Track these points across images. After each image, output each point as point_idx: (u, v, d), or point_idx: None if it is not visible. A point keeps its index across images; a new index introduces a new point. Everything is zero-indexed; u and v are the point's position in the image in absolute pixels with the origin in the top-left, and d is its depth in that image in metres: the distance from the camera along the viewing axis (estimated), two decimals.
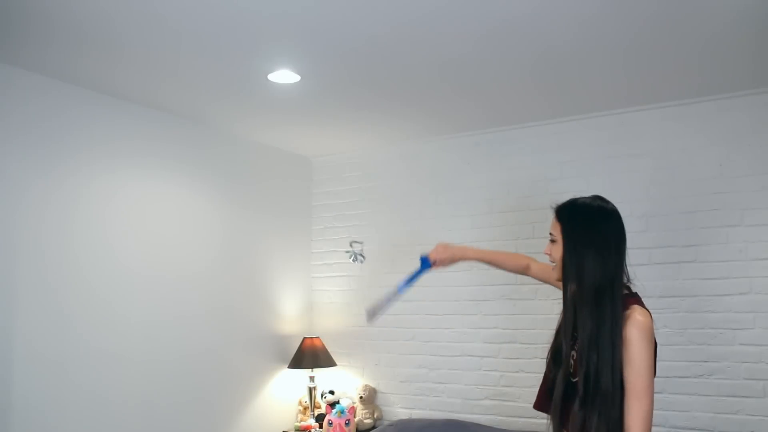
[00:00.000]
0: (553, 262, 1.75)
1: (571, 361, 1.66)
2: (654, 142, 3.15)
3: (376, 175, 4.00)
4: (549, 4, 2.08)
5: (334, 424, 3.46)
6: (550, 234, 1.74)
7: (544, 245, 1.84)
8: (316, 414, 3.73)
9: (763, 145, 2.91)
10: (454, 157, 3.73)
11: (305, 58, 2.53)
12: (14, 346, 2.49)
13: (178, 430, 3.15)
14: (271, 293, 3.84)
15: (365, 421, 3.67)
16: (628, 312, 1.58)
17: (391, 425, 3.46)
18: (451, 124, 3.53)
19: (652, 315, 1.62)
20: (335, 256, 4.10)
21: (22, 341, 2.51)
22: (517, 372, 3.34)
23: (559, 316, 1.84)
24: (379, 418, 3.74)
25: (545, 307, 3.26)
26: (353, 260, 3.18)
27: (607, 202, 1.72)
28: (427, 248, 2.19)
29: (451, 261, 2.15)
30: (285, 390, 3.86)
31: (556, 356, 1.73)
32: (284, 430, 3.77)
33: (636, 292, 1.69)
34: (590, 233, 1.65)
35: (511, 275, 3.41)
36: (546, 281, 2.11)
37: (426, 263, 2.13)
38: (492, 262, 2.20)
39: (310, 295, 4.16)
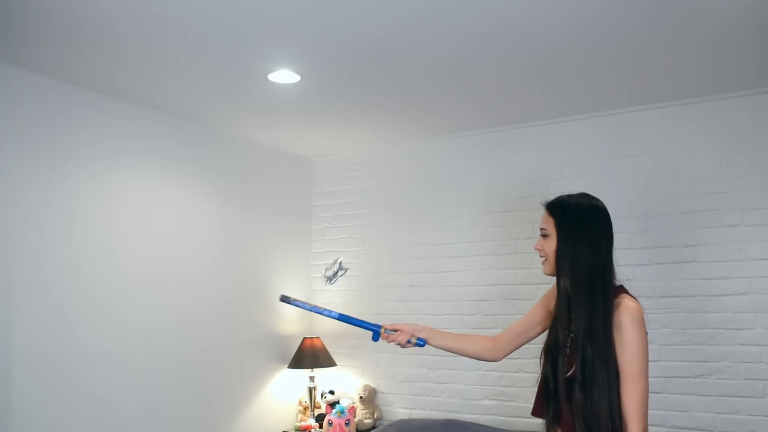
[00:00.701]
0: (543, 257, 1.80)
1: (566, 356, 1.70)
2: (654, 142, 3.15)
3: (376, 175, 4.00)
4: (549, 4, 2.08)
5: (334, 424, 3.46)
6: (542, 229, 1.79)
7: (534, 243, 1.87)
8: (316, 414, 3.73)
9: (763, 145, 2.91)
10: (454, 157, 3.73)
11: (305, 58, 2.53)
12: (14, 346, 2.49)
13: (178, 430, 3.15)
14: (271, 293, 3.84)
15: (365, 421, 3.67)
16: (618, 300, 1.65)
17: (391, 425, 3.46)
18: (451, 124, 3.53)
19: (652, 315, 1.65)
20: (335, 256, 4.10)
21: (21, 341, 2.51)
22: (517, 372, 3.34)
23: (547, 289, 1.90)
24: (379, 418, 3.74)
25: None
26: (330, 281, 2.82)
27: (596, 199, 1.78)
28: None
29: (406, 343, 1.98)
30: (285, 390, 3.86)
31: (549, 352, 1.78)
32: (284, 430, 3.77)
33: (622, 285, 1.74)
34: (583, 227, 1.72)
35: (511, 275, 3.44)
36: (525, 339, 1.97)
37: (376, 335, 1.99)
38: (452, 349, 2.01)
39: (310, 295, 4.16)
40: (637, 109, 3.19)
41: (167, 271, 3.17)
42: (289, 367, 3.78)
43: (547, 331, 1.86)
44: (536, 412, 1.81)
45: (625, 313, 1.62)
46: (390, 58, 2.54)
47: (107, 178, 2.91)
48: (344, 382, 3.91)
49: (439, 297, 3.65)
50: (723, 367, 2.88)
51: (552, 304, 1.86)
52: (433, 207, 3.75)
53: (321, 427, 3.59)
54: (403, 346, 1.97)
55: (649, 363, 1.66)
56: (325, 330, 4.01)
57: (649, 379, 1.65)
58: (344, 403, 3.60)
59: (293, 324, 3.98)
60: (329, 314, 2.07)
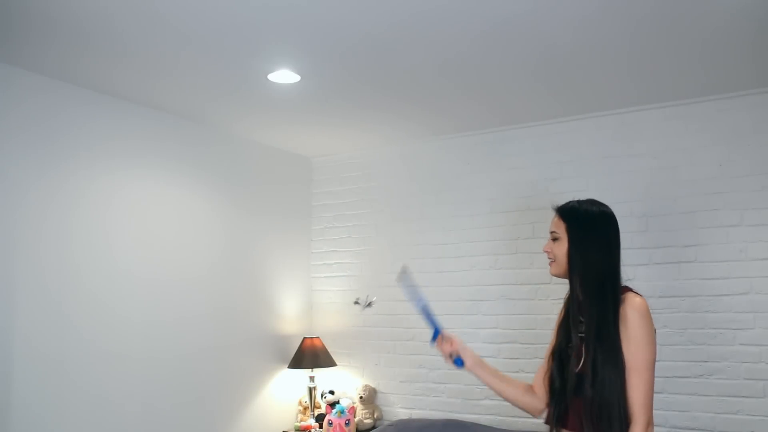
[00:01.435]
0: (551, 258, 1.85)
1: (577, 357, 1.73)
2: (654, 142, 3.15)
3: (376, 175, 4.00)
4: (549, 4, 2.08)
5: (334, 424, 3.46)
6: (553, 232, 1.83)
7: (544, 245, 1.90)
8: (316, 414, 3.73)
9: (763, 145, 2.91)
10: (454, 157, 3.73)
11: (305, 58, 2.53)
12: (14, 346, 2.49)
13: (178, 430, 3.14)
14: (271, 293, 3.84)
15: (365, 421, 3.67)
16: (624, 296, 1.72)
17: (391, 425, 3.46)
18: (451, 124, 3.53)
19: (653, 315, 1.70)
20: (335, 256, 4.10)
21: (22, 341, 2.51)
22: (517, 372, 3.33)
23: (557, 317, 1.92)
24: (379, 418, 3.74)
25: (545, 307, 3.25)
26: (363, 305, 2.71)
27: (605, 205, 1.84)
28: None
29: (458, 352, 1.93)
30: (285, 390, 3.86)
31: (555, 354, 1.82)
32: (284, 430, 3.77)
33: (628, 285, 1.80)
34: (593, 232, 1.78)
35: (511, 275, 3.44)
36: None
37: (435, 335, 1.96)
38: (491, 385, 1.95)
39: (310, 295, 4.16)
40: (637, 109, 3.19)
41: (167, 271, 3.17)
42: (289, 367, 3.78)
43: (555, 335, 1.89)
44: (548, 420, 1.83)
45: (630, 307, 1.67)
46: (390, 58, 2.54)
47: (107, 177, 2.91)
48: (344, 382, 3.91)
49: (440, 297, 3.64)
50: (723, 367, 2.88)
51: None
52: (433, 207, 3.75)
53: (321, 427, 3.59)
54: (445, 358, 1.93)
55: None
56: (325, 330, 4.01)
57: None
58: (344, 403, 3.60)
59: (293, 324, 3.98)
60: (419, 302, 2.01)
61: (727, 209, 2.95)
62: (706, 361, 2.92)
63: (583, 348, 1.71)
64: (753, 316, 2.85)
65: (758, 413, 2.79)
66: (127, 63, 2.56)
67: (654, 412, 1.67)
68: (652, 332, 1.68)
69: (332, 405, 3.58)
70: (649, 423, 1.63)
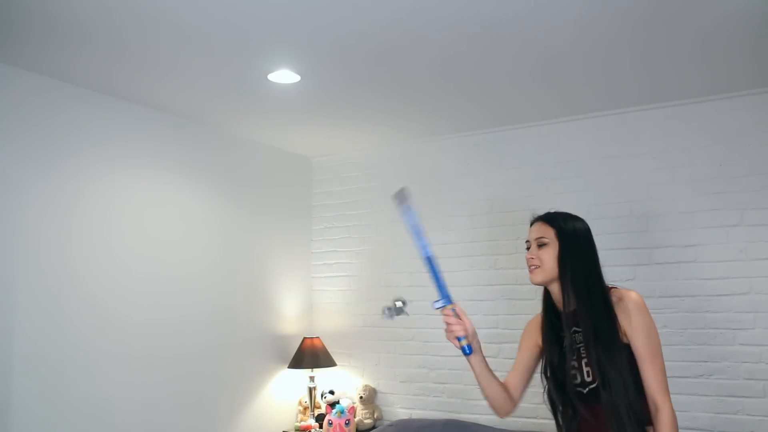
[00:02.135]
0: (534, 266, 1.83)
1: (579, 368, 1.74)
2: (654, 142, 3.15)
3: (376, 175, 4.00)
4: (548, 4, 2.08)
5: (334, 424, 3.46)
6: (540, 238, 1.83)
7: (526, 254, 1.89)
8: (316, 414, 3.73)
9: (763, 145, 2.91)
10: (453, 157, 3.73)
11: (305, 58, 2.53)
12: (14, 346, 2.49)
13: (178, 430, 3.14)
14: (271, 293, 3.84)
15: (365, 421, 3.67)
16: (618, 295, 1.75)
17: (391, 425, 3.46)
18: (451, 124, 3.53)
19: (653, 315, 1.73)
20: (335, 256, 4.10)
21: (22, 341, 2.51)
22: None
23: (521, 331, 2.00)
24: (379, 418, 3.74)
25: None
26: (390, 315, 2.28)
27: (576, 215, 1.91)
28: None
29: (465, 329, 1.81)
30: (285, 390, 3.86)
31: (547, 371, 1.85)
32: (284, 430, 3.77)
33: (614, 284, 1.84)
34: (580, 236, 1.83)
35: (511, 275, 3.44)
36: (529, 376, 1.96)
37: (443, 302, 1.79)
38: (479, 380, 1.88)
39: (310, 295, 4.16)
40: (637, 109, 3.19)
41: (167, 271, 3.17)
42: (289, 367, 3.78)
43: (544, 356, 1.89)
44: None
45: (629, 301, 1.71)
46: (390, 58, 2.54)
47: (107, 177, 2.91)
48: (344, 382, 3.91)
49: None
50: (723, 367, 2.88)
51: (536, 336, 1.94)
52: (432, 207, 3.75)
53: (321, 427, 3.59)
54: (448, 338, 1.78)
55: None
56: (325, 330, 4.01)
57: None
58: (344, 403, 3.60)
59: (293, 324, 3.98)
60: (424, 246, 1.77)
61: (727, 209, 2.95)
62: (706, 361, 2.92)
63: (585, 355, 1.72)
64: (753, 316, 2.85)
65: (758, 413, 2.79)
66: (127, 63, 2.56)
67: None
68: (653, 321, 1.72)
69: (332, 405, 3.58)
70: (669, 403, 1.67)
